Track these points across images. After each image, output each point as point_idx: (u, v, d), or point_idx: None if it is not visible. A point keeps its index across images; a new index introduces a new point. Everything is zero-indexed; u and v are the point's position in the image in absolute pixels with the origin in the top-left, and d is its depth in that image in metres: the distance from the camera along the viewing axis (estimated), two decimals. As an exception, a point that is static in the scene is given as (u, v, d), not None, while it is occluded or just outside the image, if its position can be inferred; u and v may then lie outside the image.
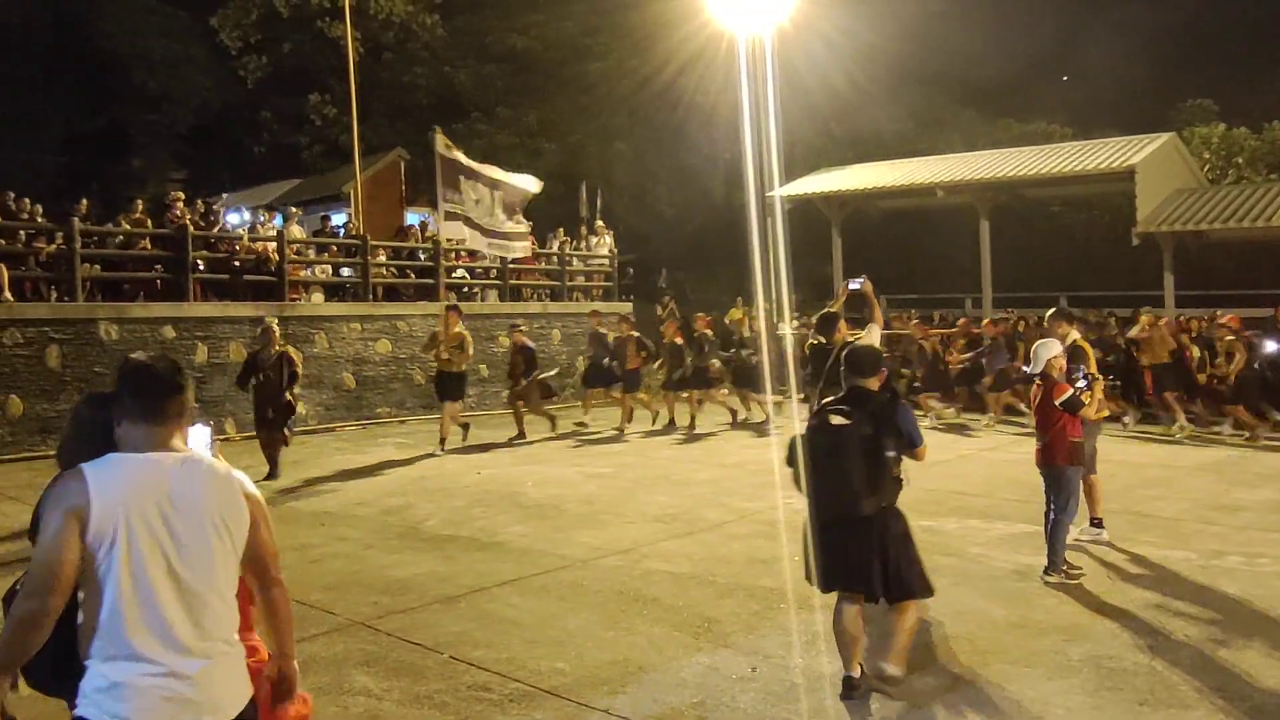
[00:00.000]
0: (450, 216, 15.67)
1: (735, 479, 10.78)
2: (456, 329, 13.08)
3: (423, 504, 9.68)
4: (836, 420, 4.81)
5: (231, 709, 2.63)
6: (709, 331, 15.64)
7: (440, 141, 15.67)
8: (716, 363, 15.46)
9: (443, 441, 12.92)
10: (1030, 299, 21.18)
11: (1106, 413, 8.40)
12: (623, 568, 7.25)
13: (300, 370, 11.49)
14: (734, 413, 15.48)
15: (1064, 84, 37.23)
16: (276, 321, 12.01)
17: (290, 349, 11.49)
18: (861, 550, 4.75)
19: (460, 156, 16.18)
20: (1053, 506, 6.90)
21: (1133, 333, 14.66)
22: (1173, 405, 13.96)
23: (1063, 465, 6.93)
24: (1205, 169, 23.62)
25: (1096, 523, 7.85)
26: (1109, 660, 5.29)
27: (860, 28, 26.17)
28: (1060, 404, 6.88)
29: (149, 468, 2.58)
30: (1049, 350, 7.03)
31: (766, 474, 10.90)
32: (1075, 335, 7.94)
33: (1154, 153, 18.63)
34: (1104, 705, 4.74)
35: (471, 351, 13.33)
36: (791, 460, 4.96)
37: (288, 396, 11.04)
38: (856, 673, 4.82)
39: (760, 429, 14.67)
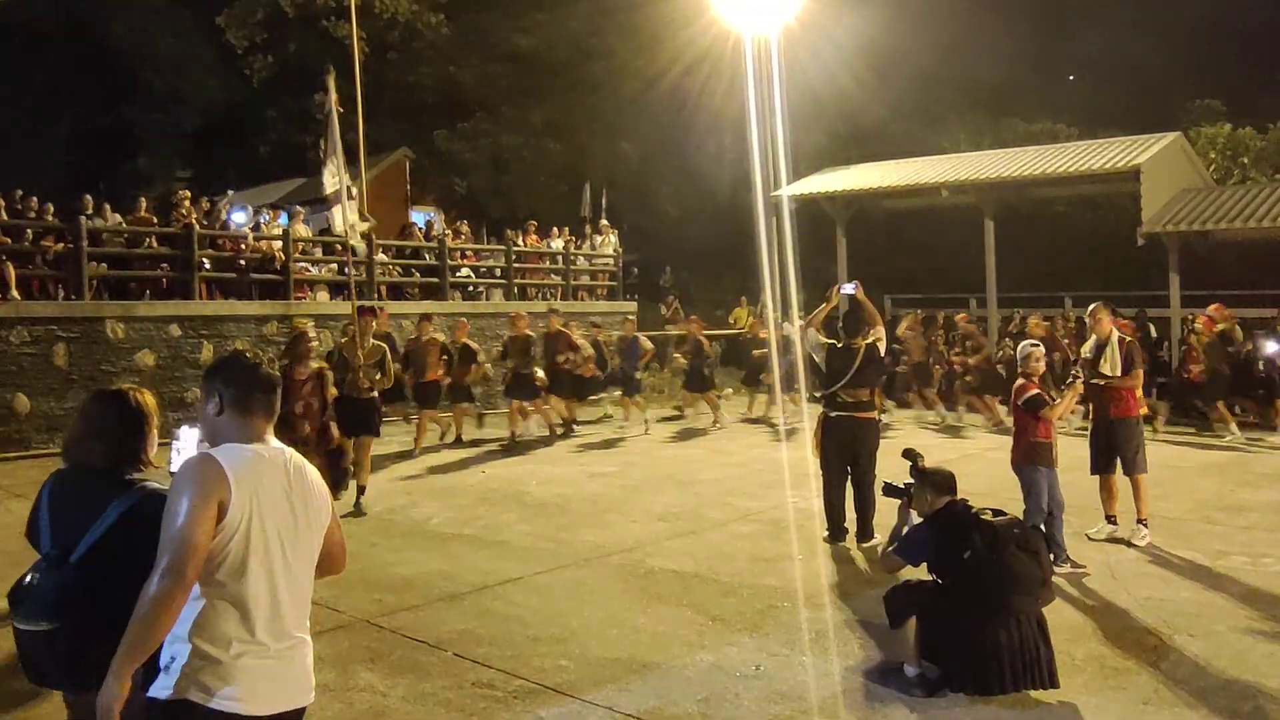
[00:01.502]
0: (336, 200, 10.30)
1: (740, 478, 10.79)
2: (372, 341, 9.68)
3: (427, 502, 9.70)
4: (996, 519, 5.06)
5: (311, 693, 2.77)
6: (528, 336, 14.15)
7: (333, 94, 10.59)
8: (539, 371, 13.80)
9: (362, 490, 9.41)
10: (1035, 299, 21.16)
11: (1145, 410, 8.54)
12: (626, 566, 7.27)
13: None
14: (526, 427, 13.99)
15: (1070, 83, 37.21)
16: (312, 324, 11.18)
17: (326, 366, 8.67)
18: (1034, 642, 4.88)
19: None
20: (1049, 504, 7.00)
21: (898, 331, 16.05)
22: (930, 400, 15.98)
23: (1019, 464, 7.12)
24: (1211, 169, 23.56)
25: (1111, 519, 7.93)
26: (1112, 659, 5.30)
27: (865, 26, 26.18)
28: (1022, 404, 7.03)
29: (269, 460, 2.70)
30: (1028, 352, 7.22)
31: (771, 473, 10.93)
32: (1118, 332, 8.04)
33: (1159, 153, 18.58)
34: (1107, 705, 4.75)
35: (392, 373, 9.77)
36: (957, 550, 5.02)
37: (336, 439, 8.24)
38: None
39: (773, 428, 14.68)
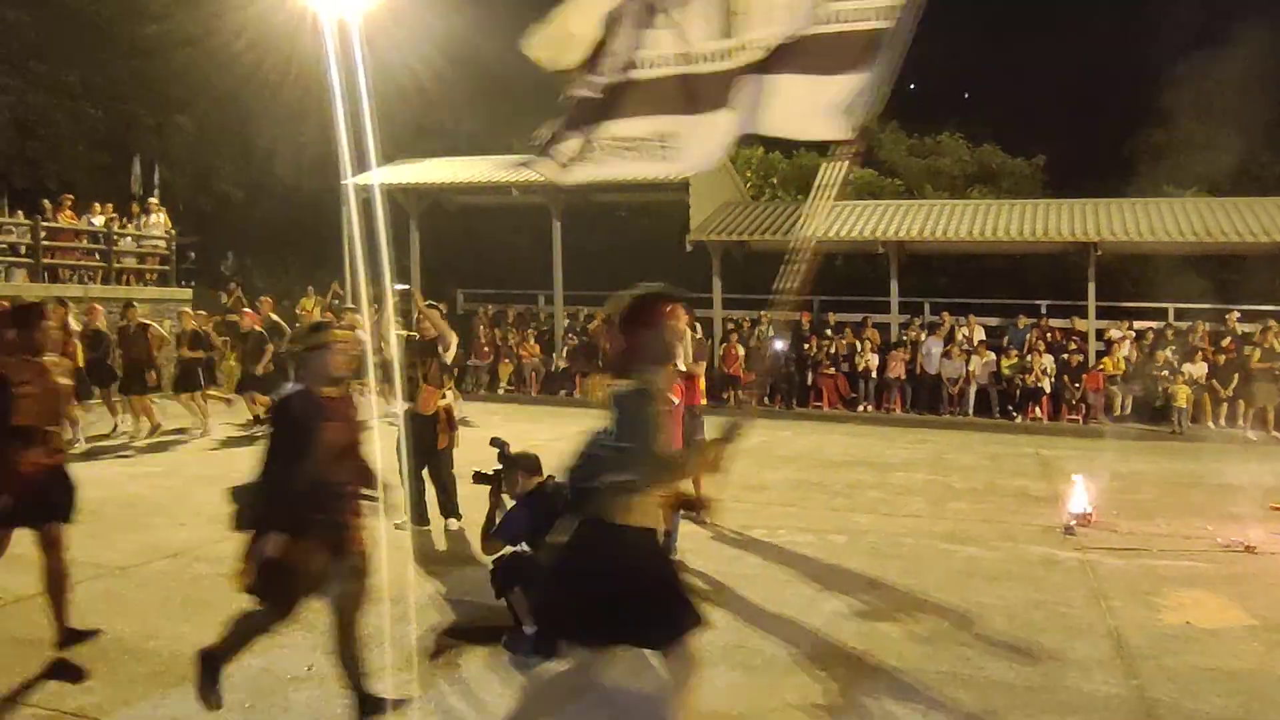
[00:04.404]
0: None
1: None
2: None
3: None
4: None
5: None
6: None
7: None
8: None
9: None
10: (599, 297, 22.45)
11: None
12: (170, 573, 6.71)
13: None
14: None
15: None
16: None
17: None
18: None
19: None
20: None
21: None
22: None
23: None
24: (747, 186, 26.36)
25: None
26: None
27: (446, 23, 26.18)
28: None
29: None
30: None
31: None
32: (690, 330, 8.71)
33: (705, 167, 20.47)
34: (641, 672, 5.12)
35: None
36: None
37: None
38: None
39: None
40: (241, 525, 4.45)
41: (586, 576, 3.58)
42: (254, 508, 4.45)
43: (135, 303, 14.20)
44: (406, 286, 8.68)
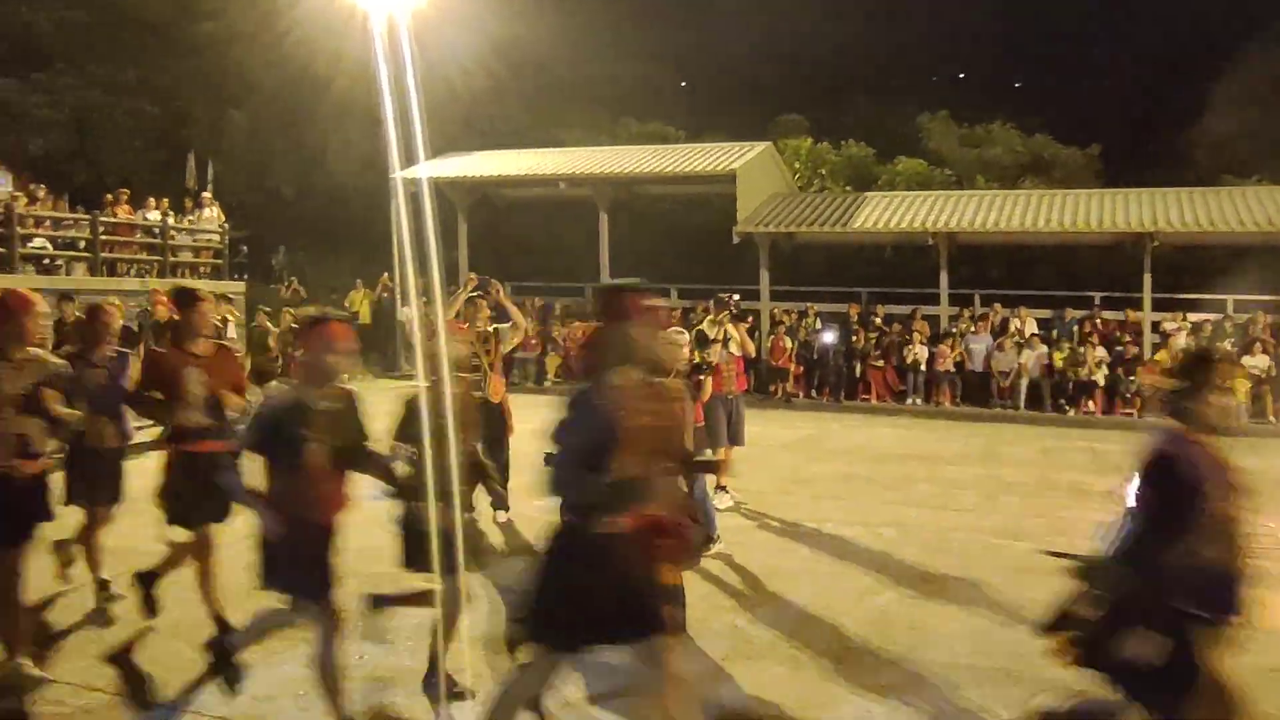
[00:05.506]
0: None
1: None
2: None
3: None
4: None
5: None
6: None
7: None
8: None
9: None
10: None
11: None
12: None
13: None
14: None
15: (681, 89, 39.87)
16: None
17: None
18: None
19: None
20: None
21: None
22: None
23: None
24: (795, 178, 26.19)
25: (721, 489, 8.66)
26: (698, 622, 5.70)
27: (493, 18, 26.32)
28: None
29: None
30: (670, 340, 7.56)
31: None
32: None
33: (753, 159, 20.37)
34: (694, 663, 5.12)
35: None
36: None
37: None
38: None
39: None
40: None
41: None
42: (1117, 593, 3.40)
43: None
44: (486, 277, 8.86)
